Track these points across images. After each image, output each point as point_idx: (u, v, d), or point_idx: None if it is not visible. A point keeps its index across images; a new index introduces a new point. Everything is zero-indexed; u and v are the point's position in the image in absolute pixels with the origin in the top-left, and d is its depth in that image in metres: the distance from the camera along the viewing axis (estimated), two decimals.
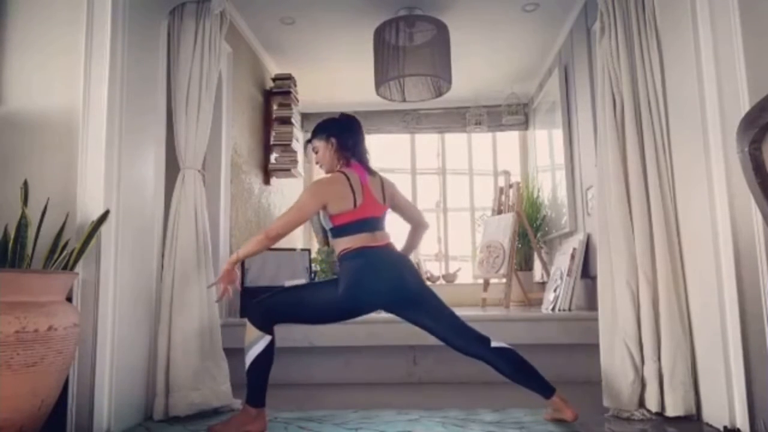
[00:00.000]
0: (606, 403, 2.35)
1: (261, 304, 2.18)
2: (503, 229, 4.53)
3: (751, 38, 1.98)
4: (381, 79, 3.92)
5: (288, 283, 3.40)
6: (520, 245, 4.83)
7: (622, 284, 2.35)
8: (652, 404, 2.25)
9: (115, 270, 2.22)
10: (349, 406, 2.59)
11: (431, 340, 2.28)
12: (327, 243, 4.24)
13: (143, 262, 2.45)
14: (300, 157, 4.86)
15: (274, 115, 4.69)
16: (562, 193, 4.42)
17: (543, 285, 4.43)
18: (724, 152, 2.03)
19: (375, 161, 2.43)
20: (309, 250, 3.89)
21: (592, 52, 3.67)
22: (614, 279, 2.40)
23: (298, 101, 4.94)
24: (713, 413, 2.14)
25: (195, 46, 2.64)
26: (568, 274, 3.57)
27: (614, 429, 2.16)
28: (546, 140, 5.03)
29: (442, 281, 5.38)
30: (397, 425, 2.23)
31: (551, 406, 2.21)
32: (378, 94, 4.08)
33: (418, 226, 2.56)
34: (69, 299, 2.05)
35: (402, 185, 2.53)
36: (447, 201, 5.92)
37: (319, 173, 2.81)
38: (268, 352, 2.14)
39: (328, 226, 2.29)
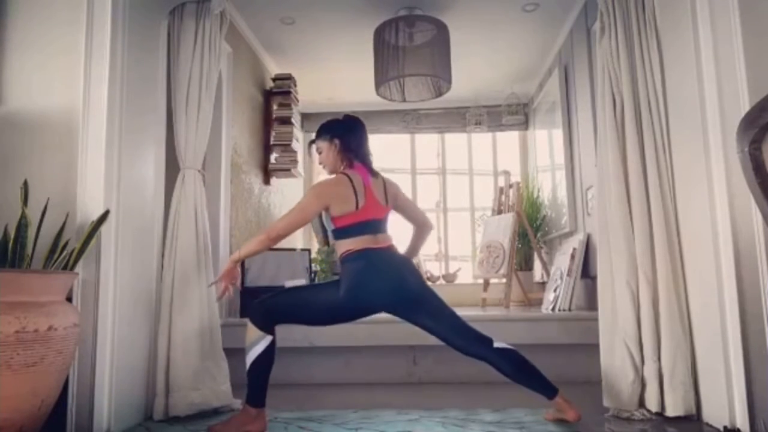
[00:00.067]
0: (606, 403, 2.35)
1: (262, 305, 2.19)
2: (503, 229, 4.53)
3: (751, 38, 1.98)
4: (381, 79, 3.92)
5: (288, 284, 3.40)
6: (520, 245, 4.83)
7: (622, 284, 2.35)
8: (652, 404, 2.25)
9: (115, 270, 2.22)
10: (349, 406, 2.59)
11: (431, 340, 2.28)
12: (327, 243, 4.25)
13: (143, 262, 2.45)
14: (300, 157, 4.86)
15: (274, 115, 4.69)
16: (562, 193, 4.42)
17: (543, 285, 4.43)
18: (724, 152, 2.03)
19: (375, 161, 2.42)
20: (309, 251, 3.89)
21: (592, 52, 3.67)
22: (614, 279, 2.39)
23: (298, 101, 4.94)
24: (713, 413, 2.14)
25: (195, 46, 2.64)
26: (568, 274, 3.57)
27: (614, 429, 2.16)
28: (546, 140, 5.03)
29: (442, 281, 5.38)
30: (397, 425, 2.23)
31: (554, 406, 2.21)
32: (378, 94, 4.08)
33: (421, 228, 2.55)
34: (69, 299, 2.05)
35: (402, 185, 2.52)
36: (447, 201, 5.92)
37: (320, 173, 2.81)
38: (269, 353, 2.14)
39: (330, 227, 2.29)
